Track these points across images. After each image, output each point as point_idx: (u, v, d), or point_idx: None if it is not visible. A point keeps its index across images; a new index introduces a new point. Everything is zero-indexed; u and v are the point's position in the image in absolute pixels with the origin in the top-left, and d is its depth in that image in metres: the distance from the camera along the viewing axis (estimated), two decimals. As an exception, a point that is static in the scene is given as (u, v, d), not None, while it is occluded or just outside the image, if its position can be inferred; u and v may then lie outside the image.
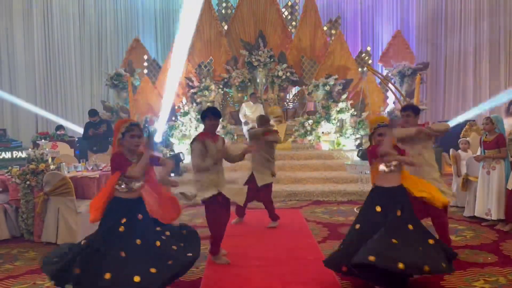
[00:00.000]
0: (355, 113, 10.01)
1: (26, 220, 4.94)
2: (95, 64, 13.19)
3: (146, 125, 9.50)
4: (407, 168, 3.64)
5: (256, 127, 5.68)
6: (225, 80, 10.76)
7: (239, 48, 11.00)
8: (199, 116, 9.88)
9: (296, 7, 11.81)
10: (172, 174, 8.04)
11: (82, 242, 3.05)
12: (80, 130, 10.22)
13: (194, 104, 10.17)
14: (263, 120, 5.60)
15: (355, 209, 6.32)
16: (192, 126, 9.81)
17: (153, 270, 2.89)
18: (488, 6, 12.04)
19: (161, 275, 2.92)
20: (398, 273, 3.01)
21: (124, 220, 3.02)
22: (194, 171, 4.01)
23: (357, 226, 3.40)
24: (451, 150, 6.37)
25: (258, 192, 5.30)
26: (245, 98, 10.58)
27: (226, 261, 4.07)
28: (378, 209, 3.34)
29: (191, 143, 4.01)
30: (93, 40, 13.13)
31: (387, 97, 10.58)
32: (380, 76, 7.23)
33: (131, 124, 3.14)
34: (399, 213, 3.27)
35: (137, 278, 2.80)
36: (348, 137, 9.71)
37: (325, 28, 11.50)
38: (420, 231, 3.32)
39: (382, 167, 3.44)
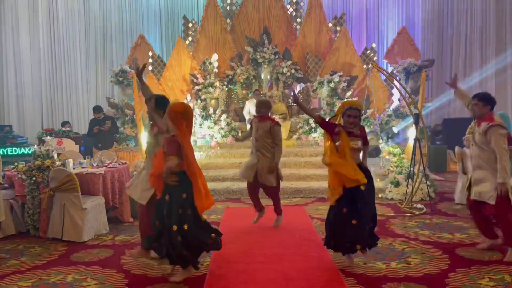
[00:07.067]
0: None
1: (32, 216, 4.97)
2: (100, 60, 13.21)
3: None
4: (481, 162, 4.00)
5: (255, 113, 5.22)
6: (230, 77, 10.74)
7: (243, 45, 10.97)
8: (203, 113, 9.91)
9: (301, 4, 11.77)
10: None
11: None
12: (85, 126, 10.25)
13: (199, 101, 10.16)
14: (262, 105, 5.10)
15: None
16: (197, 123, 9.80)
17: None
18: (494, 2, 11.95)
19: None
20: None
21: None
22: None
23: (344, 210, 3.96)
24: (456, 147, 6.32)
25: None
26: (250, 95, 10.56)
27: None
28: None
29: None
30: (98, 37, 13.15)
31: (392, 94, 10.54)
32: (385, 73, 7.19)
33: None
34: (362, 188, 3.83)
35: None
36: (352, 134, 9.66)
37: (330, 24, 11.45)
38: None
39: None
